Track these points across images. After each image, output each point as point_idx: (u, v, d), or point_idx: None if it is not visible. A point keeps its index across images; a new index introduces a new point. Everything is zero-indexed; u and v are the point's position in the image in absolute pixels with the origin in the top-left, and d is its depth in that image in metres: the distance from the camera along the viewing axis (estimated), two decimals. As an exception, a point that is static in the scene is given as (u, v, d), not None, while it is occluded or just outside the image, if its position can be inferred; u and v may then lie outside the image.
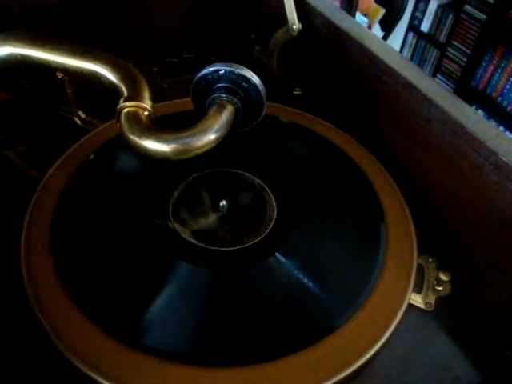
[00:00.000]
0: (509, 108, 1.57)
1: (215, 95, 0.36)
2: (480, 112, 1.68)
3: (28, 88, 0.50)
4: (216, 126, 0.33)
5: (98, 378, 0.27)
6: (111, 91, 0.37)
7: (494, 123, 1.64)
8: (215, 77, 0.36)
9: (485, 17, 1.54)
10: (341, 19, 0.48)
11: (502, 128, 1.62)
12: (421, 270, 0.37)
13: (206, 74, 0.36)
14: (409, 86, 0.41)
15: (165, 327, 0.31)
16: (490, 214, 0.37)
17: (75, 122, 0.48)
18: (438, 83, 0.41)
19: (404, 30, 1.89)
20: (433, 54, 1.82)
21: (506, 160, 0.34)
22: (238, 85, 0.36)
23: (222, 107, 0.35)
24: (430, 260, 0.38)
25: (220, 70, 0.35)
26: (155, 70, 0.58)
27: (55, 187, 0.38)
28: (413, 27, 1.87)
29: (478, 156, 0.36)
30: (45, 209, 0.37)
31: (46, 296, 0.31)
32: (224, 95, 0.35)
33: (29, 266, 0.32)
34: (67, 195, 0.38)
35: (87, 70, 0.38)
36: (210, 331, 0.31)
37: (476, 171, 0.37)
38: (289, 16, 0.50)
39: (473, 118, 0.37)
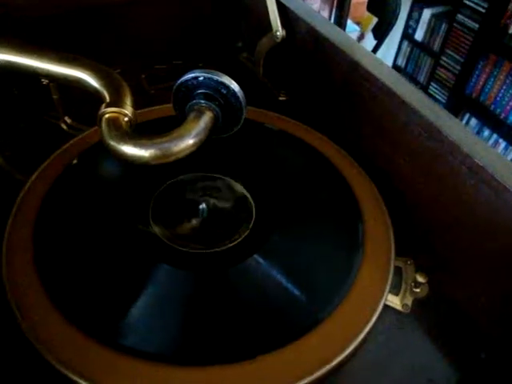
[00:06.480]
0: (502, 116, 1.57)
1: (194, 101, 0.36)
2: (474, 120, 1.69)
3: (17, 94, 0.51)
4: (193, 132, 0.34)
5: (77, 378, 0.28)
6: (98, 97, 0.37)
7: (487, 131, 1.65)
8: (195, 83, 0.36)
9: (477, 26, 1.56)
10: (323, 27, 0.49)
11: (495, 136, 1.63)
12: (399, 272, 0.38)
13: (186, 81, 0.36)
14: (388, 92, 0.41)
15: (145, 328, 0.31)
16: (467, 217, 0.37)
17: (62, 128, 0.49)
18: (416, 88, 0.41)
19: (398, 38, 1.91)
20: (427, 62, 1.84)
21: (480, 163, 0.34)
22: (217, 91, 0.36)
23: (200, 113, 0.35)
24: (409, 262, 0.38)
25: (199, 77, 0.36)
26: (143, 76, 0.58)
27: (38, 191, 0.39)
28: (407, 36, 1.89)
29: (454, 159, 0.37)
30: (28, 212, 0.37)
31: (25, 296, 0.31)
32: (203, 101, 0.36)
33: (10, 266, 0.33)
34: (50, 199, 0.38)
35: (71, 76, 0.38)
36: (191, 332, 0.31)
37: (453, 175, 0.37)
38: (273, 23, 0.51)
39: (449, 122, 0.38)
